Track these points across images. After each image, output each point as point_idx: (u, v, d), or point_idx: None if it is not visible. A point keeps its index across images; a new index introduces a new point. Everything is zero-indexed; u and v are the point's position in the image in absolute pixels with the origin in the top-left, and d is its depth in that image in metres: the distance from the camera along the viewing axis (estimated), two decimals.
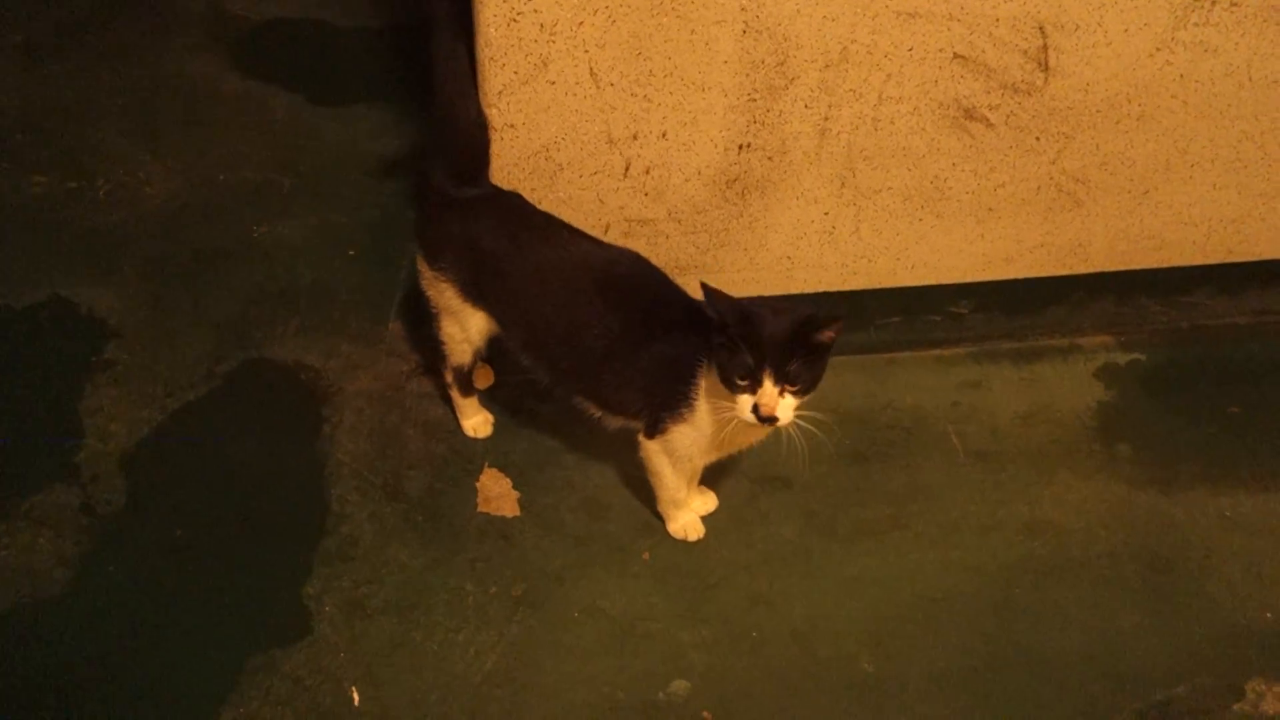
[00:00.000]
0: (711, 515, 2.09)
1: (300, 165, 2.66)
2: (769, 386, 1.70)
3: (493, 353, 2.10)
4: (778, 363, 1.68)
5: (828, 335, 1.70)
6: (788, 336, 1.69)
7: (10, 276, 2.38)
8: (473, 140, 1.90)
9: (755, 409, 1.70)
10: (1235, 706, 1.90)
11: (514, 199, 1.96)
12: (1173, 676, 1.92)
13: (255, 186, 2.60)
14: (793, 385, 1.71)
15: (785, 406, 1.71)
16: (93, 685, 1.82)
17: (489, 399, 2.23)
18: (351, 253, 2.49)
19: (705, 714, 1.85)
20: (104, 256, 2.44)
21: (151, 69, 2.84)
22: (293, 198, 2.59)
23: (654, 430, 1.90)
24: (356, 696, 1.84)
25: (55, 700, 1.80)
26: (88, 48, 2.89)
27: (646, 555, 2.04)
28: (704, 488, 2.10)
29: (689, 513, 2.06)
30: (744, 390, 1.71)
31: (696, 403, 1.84)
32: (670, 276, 1.90)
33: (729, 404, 1.75)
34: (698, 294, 1.75)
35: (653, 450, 1.93)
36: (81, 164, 2.61)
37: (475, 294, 1.95)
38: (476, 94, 1.89)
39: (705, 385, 1.82)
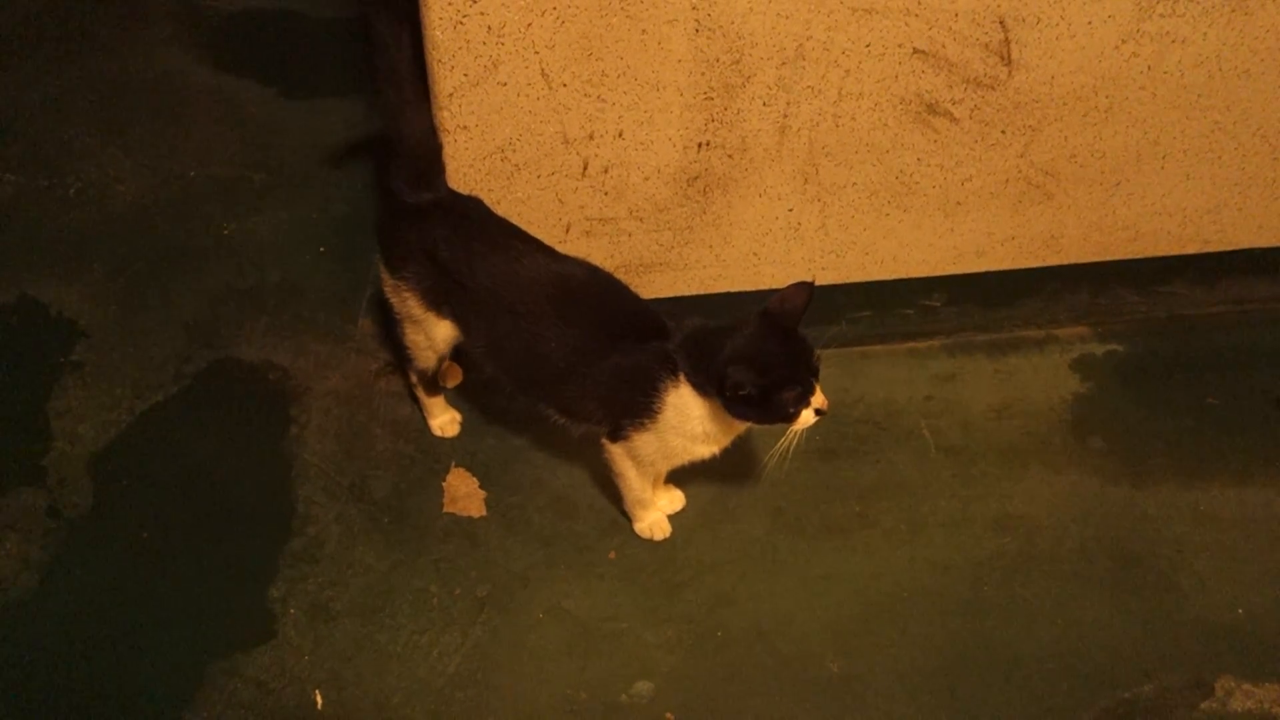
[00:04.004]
0: (679, 513, 2.09)
1: (271, 160, 2.64)
2: (819, 390, 1.77)
3: (461, 350, 2.08)
4: (811, 369, 1.76)
5: (801, 304, 1.74)
6: (794, 342, 1.74)
7: None
8: (421, 146, 1.88)
9: (817, 411, 1.78)
10: (1203, 704, 1.89)
11: (470, 205, 1.93)
12: (1140, 674, 1.91)
13: (225, 183, 2.59)
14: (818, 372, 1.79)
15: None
16: (57, 689, 1.83)
17: (457, 397, 2.23)
18: (321, 249, 2.48)
19: (668, 715, 1.85)
20: (74, 256, 2.43)
21: (121, 63, 2.82)
22: (263, 194, 2.57)
23: (616, 436, 1.90)
24: (320, 699, 1.85)
25: (19, 704, 1.81)
26: (57, 41, 2.87)
27: (613, 555, 2.04)
28: (671, 486, 2.09)
29: (655, 512, 2.05)
30: (798, 412, 1.76)
31: (659, 414, 1.83)
32: (632, 277, 1.89)
33: (698, 440, 1.84)
34: (658, 295, 1.74)
35: (616, 453, 1.92)
36: (52, 161, 2.60)
37: (437, 303, 1.93)
38: (422, 99, 1.86)
39: (671, 408, 1.82)
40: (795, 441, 1.81)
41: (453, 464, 2.14)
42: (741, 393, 1.71)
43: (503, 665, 1.89)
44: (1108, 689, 1.89)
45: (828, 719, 1.85)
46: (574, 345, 1.84)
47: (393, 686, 1.86)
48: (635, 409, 1.84)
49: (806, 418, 1.77)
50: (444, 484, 2.11)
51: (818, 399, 1.76)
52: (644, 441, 1.87)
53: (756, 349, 1.73)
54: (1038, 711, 1.87)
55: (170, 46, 2.87)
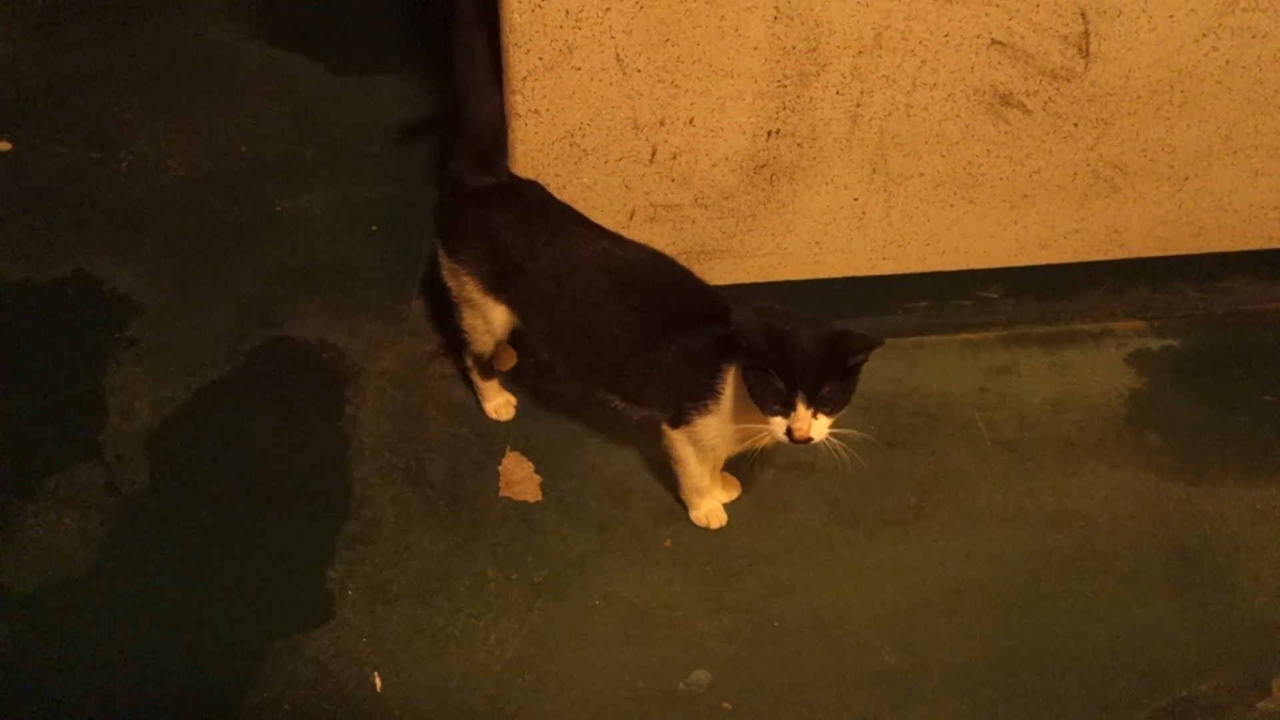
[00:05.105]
0: (734, 502, 2.08)
1: (322, 136, 2.62)
2: (802, 410, 1.68)
3: (515, 334, 2.07)
4: (810, 387, 1.67)
5: (861, 358, 1.68)
6: (820, 360, 1.67)
7: (34, 250, 2.37)
8: (488, 130, 1.87)
9: (789, 432, 1.69)
10: (1260, 704, 1.88)
11: (532, 190, 1.92)
12: (1197, 672, 1.91)
13: (277, 159, 2.57)
14: (825, 407, 1.69)
15: (819, 427, 1.70)
16: (117, 666, 1.84)
17: (511, 380, 2.22)
18: (374, 228, 2.46)
19: (725, 704, 1.85)
20: (127, 230, 2.42)
21: (170, 34, 2.79)
22: (314, 170, 2.56)
23: (678, 421, 1.89)
24: (379, 682, 1.85)
25: (78, 681, 1.82)
26: (106, 13, 2.84)
27: (668, 542, 2.04)
28: (727, 475, 2.08)
29: (711, 500, 2.05)
30: (777, 413, 1.70)
31: (722, 394, 1.82)
32: (693, 264, 1.87)
33: (761, 422, 1.74)
34: (718, 282, 1.71)
35: (677, 439, 1.92)
36: (103, 134, 2.59)
37: (496, 288, 1.92)
38: (494, 83, 1.85)
39: (734, 388, 1.80)
40: (759, 450, 1.77)
41: (508, 448, 2.14)
42: (743, 341, 1.68)
43: (560, 651, 1.90)
44: (1164, 687, 1.89)
45: (884, 711, 1.86)
46: (638, 331, 1.83)
47: (451, 670, 1.87)
48: (699, 391, 1.83)
49: (777, 426, 1.70)
50: (500, 468, 2.11)
51: (799, 422, 1.68)
52: (706, 425, 1.86)
53: (791, 329, 1.68)
54: (1093, 708, 1.87)
55: (219, 19, 2.84)
